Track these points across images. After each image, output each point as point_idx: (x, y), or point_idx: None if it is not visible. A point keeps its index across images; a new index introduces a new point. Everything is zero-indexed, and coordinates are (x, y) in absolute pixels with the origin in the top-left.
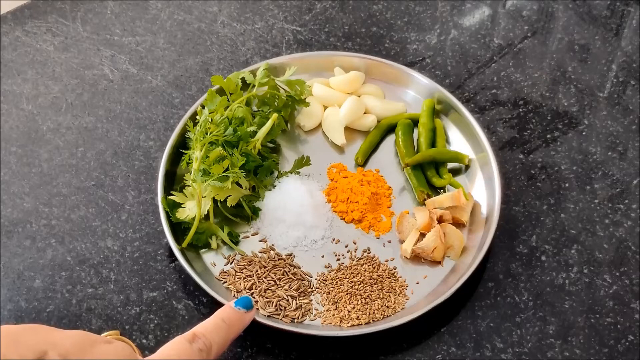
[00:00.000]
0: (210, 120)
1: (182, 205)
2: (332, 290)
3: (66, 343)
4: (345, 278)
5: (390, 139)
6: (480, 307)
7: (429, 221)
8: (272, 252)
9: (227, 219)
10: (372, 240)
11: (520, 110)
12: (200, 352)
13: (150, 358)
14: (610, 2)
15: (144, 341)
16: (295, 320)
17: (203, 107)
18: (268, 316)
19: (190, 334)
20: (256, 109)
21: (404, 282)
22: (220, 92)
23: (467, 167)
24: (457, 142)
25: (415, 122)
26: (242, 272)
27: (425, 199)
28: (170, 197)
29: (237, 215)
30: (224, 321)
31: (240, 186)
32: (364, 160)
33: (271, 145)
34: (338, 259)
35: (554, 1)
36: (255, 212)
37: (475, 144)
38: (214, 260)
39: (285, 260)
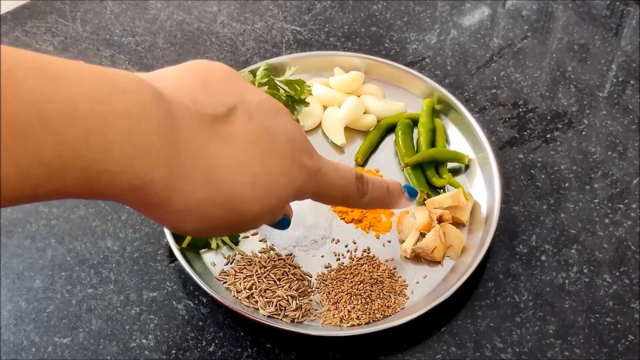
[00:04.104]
0: None
1: None
2: (332, 291)
3: (253, 101)
4: (345, 278)
5: (390, 139)
6: (480, 307)
7: (429, 221)
8: (272, 252)
9: None
10: (372, 240)
11: (520, 110)
12: (357, 191)
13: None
14: (610, 2)
15: (144, 341)
16: (295, 320)
17: None
18: (268, 316)
19: (359, 173)
20: None
21: (404, 282)
22: None
23: (467, 166)
24: (457, 142)
25: (415, 122)
26: (242, 272)
27: (425, 199)
28: None
29: None
30: (388, 187)
31: None
32: (363, 160)
33: None
34: (338, 259)
35: (554, 1)
36: None
37: (475, 143)
38: (214, 260)
39: (285, 261)
